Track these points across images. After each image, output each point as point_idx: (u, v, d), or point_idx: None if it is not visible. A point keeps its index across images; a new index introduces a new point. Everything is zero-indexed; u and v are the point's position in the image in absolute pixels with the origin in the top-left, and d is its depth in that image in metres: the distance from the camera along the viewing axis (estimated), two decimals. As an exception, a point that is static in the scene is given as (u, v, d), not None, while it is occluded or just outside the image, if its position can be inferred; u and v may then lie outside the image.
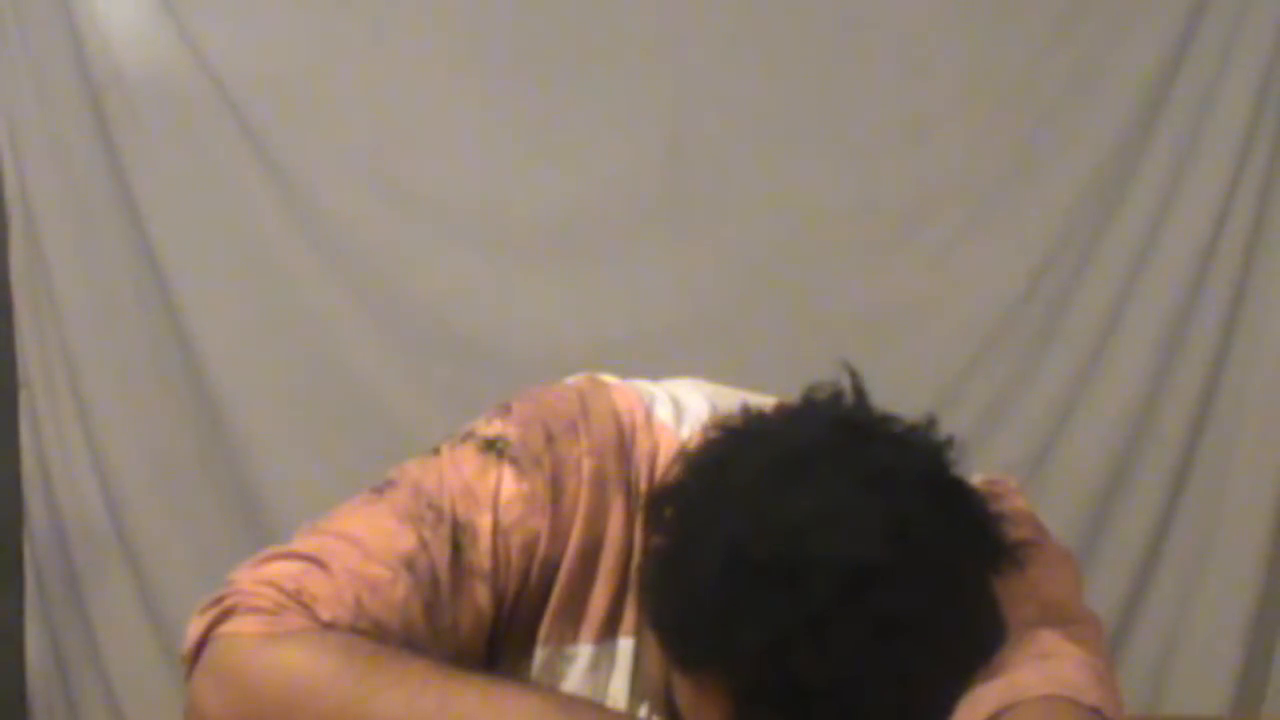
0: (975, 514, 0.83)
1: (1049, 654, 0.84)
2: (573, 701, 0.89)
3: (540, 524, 0.93)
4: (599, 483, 0.94)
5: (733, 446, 0.85)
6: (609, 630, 0.95)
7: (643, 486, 0.95)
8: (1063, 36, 2.30)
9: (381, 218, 2.30)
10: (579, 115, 2.30)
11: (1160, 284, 2.32)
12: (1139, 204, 2.32)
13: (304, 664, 0.86)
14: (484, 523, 0.92)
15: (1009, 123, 2.32)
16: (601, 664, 0.95)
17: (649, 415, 0.97)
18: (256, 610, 0.87)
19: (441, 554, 0.91)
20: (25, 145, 2.28)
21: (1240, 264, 2.32)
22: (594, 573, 0.94)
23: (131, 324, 2.30)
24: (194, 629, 0.88)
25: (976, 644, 0.83)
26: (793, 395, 0.89)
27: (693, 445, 0.91)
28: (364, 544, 0.90)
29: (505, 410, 0.97)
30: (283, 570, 0.89)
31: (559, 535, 0.93)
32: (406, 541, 0.90)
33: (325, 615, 0.87)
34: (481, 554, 0.92)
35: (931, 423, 0.84)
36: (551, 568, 0.94)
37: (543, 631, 0.94)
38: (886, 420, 0.85)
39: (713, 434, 0.88)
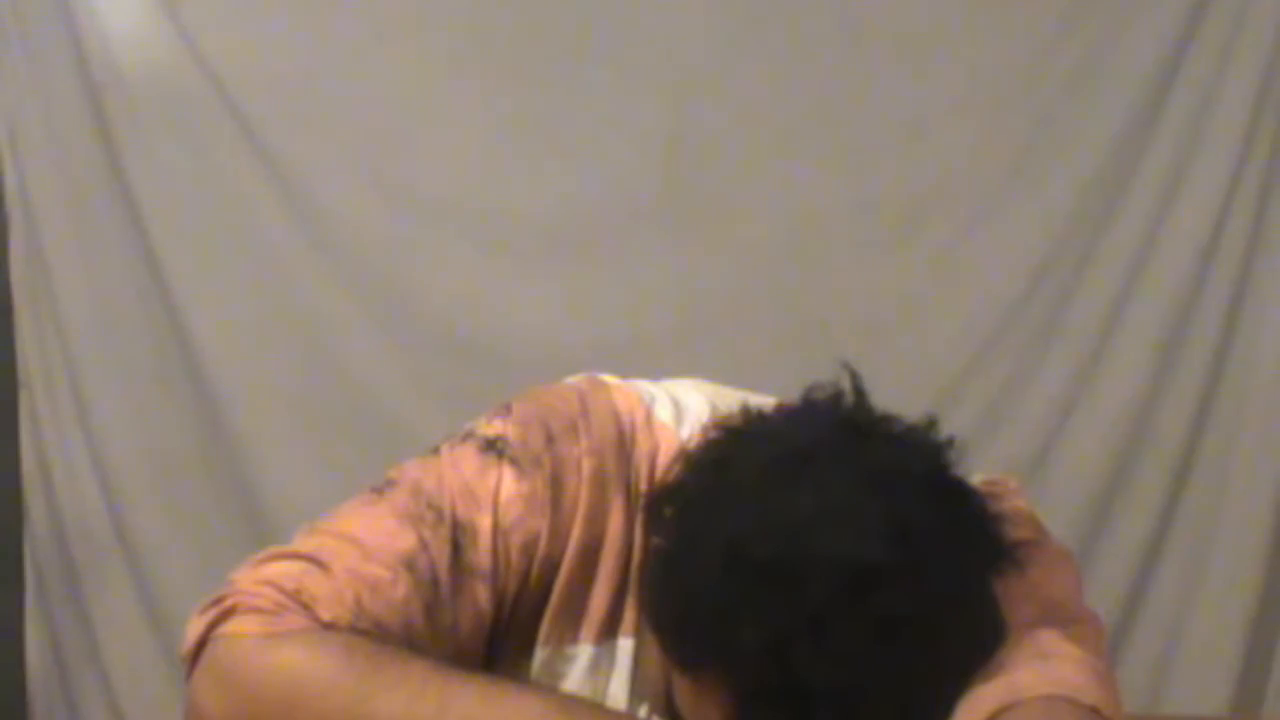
0: (975, 514, 0.83)
1: (1048, 654, 0.84)
2: (573, 701, 0.89)
3: (540, 524, 0.93)
4: (599, 483, 0.94)
5: (733, 446, 0.85)
6: (609, 630, 0.95)
7: (643, 486, 0.95)
8: (1063, 36, 2.30)
9: (381, 217, 2.30)
10: (579, 115, 2.30)
11: (1160, 284, 2.32)
12: (1139, 204, 2.32)
13: (304, 664, 0.86)
14: (484, 523, 0.92)
15: (1009, 123, 2.32)
16: (601, 664, 0.95)
17: (649, 415, 0.97)
18: (256, 610, 0.87)
19: (441, 554, 0.91)
20: (25, 145, 2.28)
21: (1240, 264, 2.32)
22: (594, 573, 0.94)
23: (131, 324, 2.30)
24: (194, 629, 0.88)
25: (976, 644, 0.83)
26: (793, 395, 0.89)
27: (693, 445, 0.91)
28: (364, 544, 0.90)
29: (505, 410, 0.97)
30: (283, 570, 0.89)
31: (559, 535, 0.93)
32: (406, 541, 0.90)
33: (325, 615, 0.87)
34: (481, 554, 0.92)
35: (931, 423, 0.84)
36: (551, 568, 0.94)
37: (543, 631, 0.94)
38: (887, 420, 0.85)
39: (713, 434, 0.88)
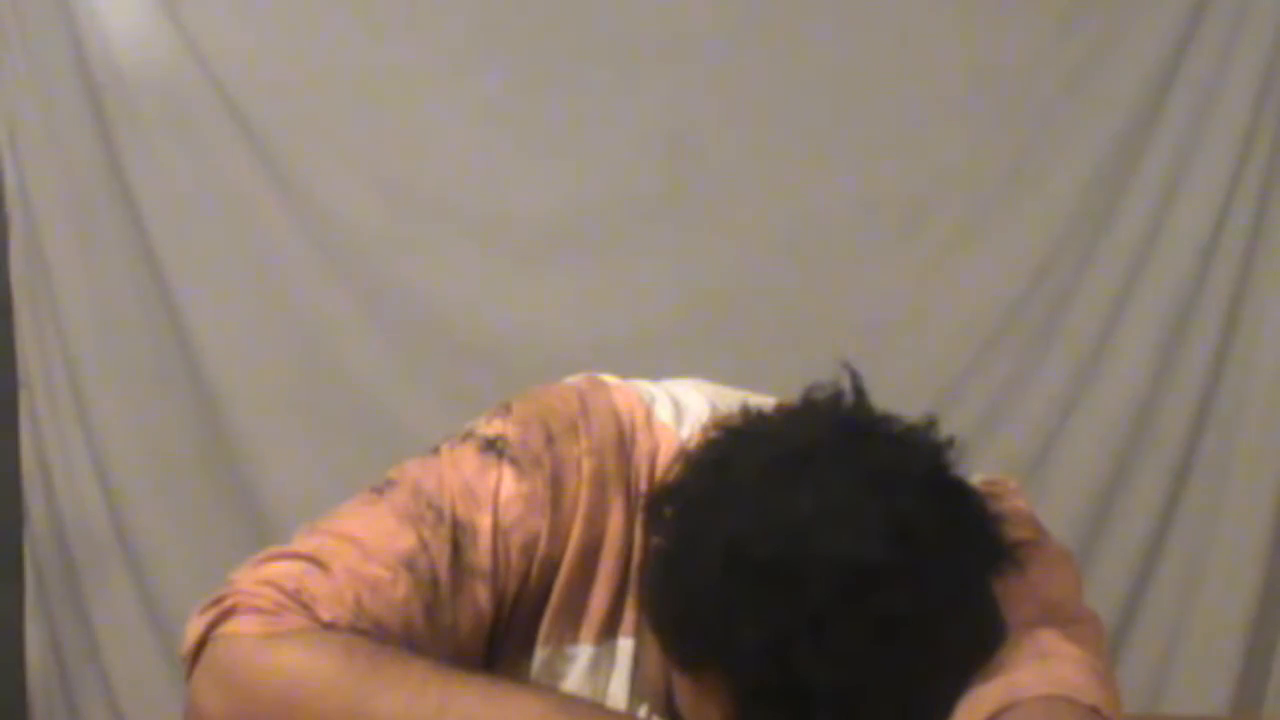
0: (975, 514, 0.83)
1: (1048, 654, 0.84)
2: (573, 701, 0.89)
3: (540, 524, 0.93)
4: (599, 482, 0.94)
5: (733, 446, 0.85)
6: (609, 630, 0.95)
7: (643, 486, 0.95)
8: (1063, 36, 2.30)
9: (381, 217, 2.30)
10: (580, 115, 2.30)
11: (1160, 284, 2.32)
12: (1139, 204, 2.32)
13: (304, 664, 0.86)
14: (484, 523, 0.92)
15: (1009, 123, 2.32)
16: (601, 664, 0.95)
17: (649, 415, 0.97)
18: (256, 610, 0.87)
19: (441, 554, 0.91)
20: (25, 145, 2.28)
21: (1240, 263, 2.32)
22: (594, 573, 0.94)
23: (131, 324, 2.30)
24: (194, 629, 0.88)
25: (976, 644, 0.83)
26: (793, 395, 0.89)
27: (693, 445, 0.91)
28: (364, 544, 0.90)
29: (505, 410, 0.97)
30: (282, 570, 0.89)
31: (559, 535, 0.93)
32: (406, 541, 0.90)
33: (325, 615, 0.87)
34: (481, 554, 0.92)
35: (931, 423, 0.84)
36: (551, 567, 0.94)
37: (543, 631, 0.94)
38: (886, 420, 0.85)
39: (713, 434, 0.88)
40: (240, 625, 0.87)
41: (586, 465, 0.94)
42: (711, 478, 0.84)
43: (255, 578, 0.89)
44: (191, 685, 0.88)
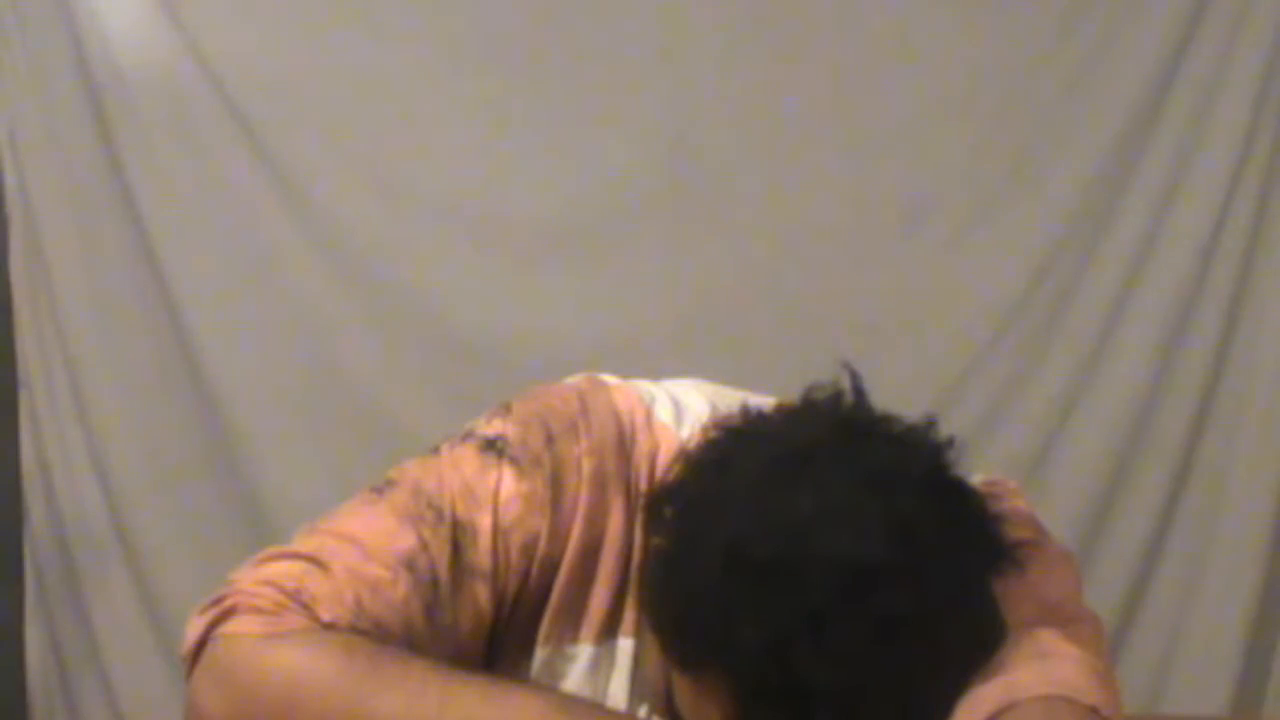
0: (975, 514, 0.83)
1: (1048, 654, 0.84)
2: (573, 701, 0.89)
3: (540, 524, 0.93)
4: (599, 482, 0.94)
5: (733, 446, 0.85)
6: (609, 630, 0.95)
7: (643, 486, 0.95)
8: (1063, 36, 2.30)
9: (382, 217, 2.30)
10: (580, 115, 2.30)
11: (1160, 284, 2.32)
12: (1139, 204, 2.32)
13: (304, 664, 0.86)
14: (484, 522, 0.92)
15: (1009, 123, 2.32)
16: (601, 664, 0.95)
17: (649, 415, 0.97)
18: (256, 610, 0.87)
19: (441, 554, 0.91)
20: (25, 145, 2.28)
21: (1240, 264, 2.32)
22: (594, 573, 0.94)
23: (131, 324, 2.30)
24: (194, 629, 0.88)
25: (976, 644, 0.83)
26: (793, 395, 0.89)
27: (693, 445, 0.91)
28: (364, 544, 0.90)
29: (505, 410, 0.97)
30: (283, 570, 0.89)
31: (559, 535, 0.93)
32: (406, 541, 0.90)
33: (325, 615, 0.87)
34: (481, 554, 0.92)
35: (931, 423, 0.84)
36: (551, 567, 0.94)
37: (543, 631, 0.94)
38: (886, 420, 0.85)
39: (713, 434, 0.88)
40: (240, 625, 0.87)
41: (586, 465, 0.94)
42: (711, 478, 0.84)
43: (255, 578, 0.89)
44: (191, 685, 0.88)
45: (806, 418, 0.86)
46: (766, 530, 0.78)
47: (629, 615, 0.95)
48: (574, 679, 0.95)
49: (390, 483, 0.94)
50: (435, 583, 0.90)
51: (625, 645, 0.95)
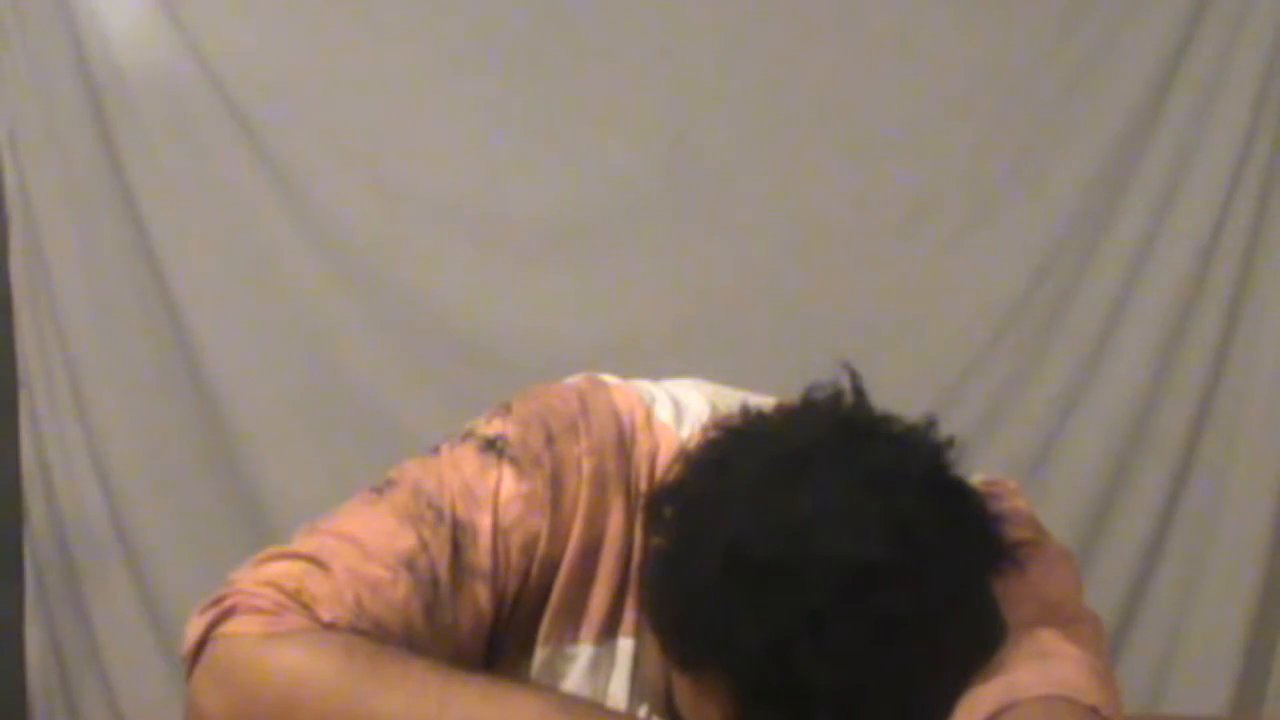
0: (975, 514, 0.83)
1: (1048, 654, 0.84)
2: (573, 701, 0.89)
3: (540, 524, 0.93)
4: (599, 482, 0.94)
5: (733, 446, 0.85)
6: (609, 630, 0.95)
7: (643, 486, 0.95)
8: (1063, 36, 2.30)
9: (382, 217, 2.30)
10: (580, 115, 2.30)
11: (1160, 284, 2.32)
12: (1139, 204, 2.32)
13: (304, 664, 0.86)
14: (484, 522, 0.92)
15: (1009, 123, 2.32)
16: (601, 664, 0.95)
17: (649, 415, 0.97)
18: (257, 610, 0.87)
19: (441, 554, 0.91)
20: (25, 145, 2.28)
21: (1240, 264, 2.32)
22: (594, 573, 0.94)
23: (131, 324, 2.30)
24: (194, 629, 0.88)
25: (976, 644, 0.83)
26: (793, 395, 0.89)
27: (693, 445, 0.91)
28: (364, 544, 0.90)
29: (505, 410, 0.97)
30: (283, 570, 0.89)
31: (559, 535, 0.93)
32: (406, 541, 0.91)
33: (325, 615, 0.87)
34: (481, 554, 0.92)
35: (931, 423, 0.84)
36: (551, 567, 0.94)
37: (543, 631, 0.95)
38: (886, 420, 0.85)
39: (713, 434, 0.88)
40: (240, 625, 0.87)
41: (586, 465, 0.94)
42: (711, 478, 0.84)
43: (255, 578, 0.89)
44: (192, 685, 0.88)
45: (806, 418, 0.86)
46: (766, 530, 0.78)
47: (629, 615, 0.95)
48: (574, 679, 0.95)
49: (390, 483, 0.94)
50: (435, 583, 0.90)
51: (625, 645, 0.95)
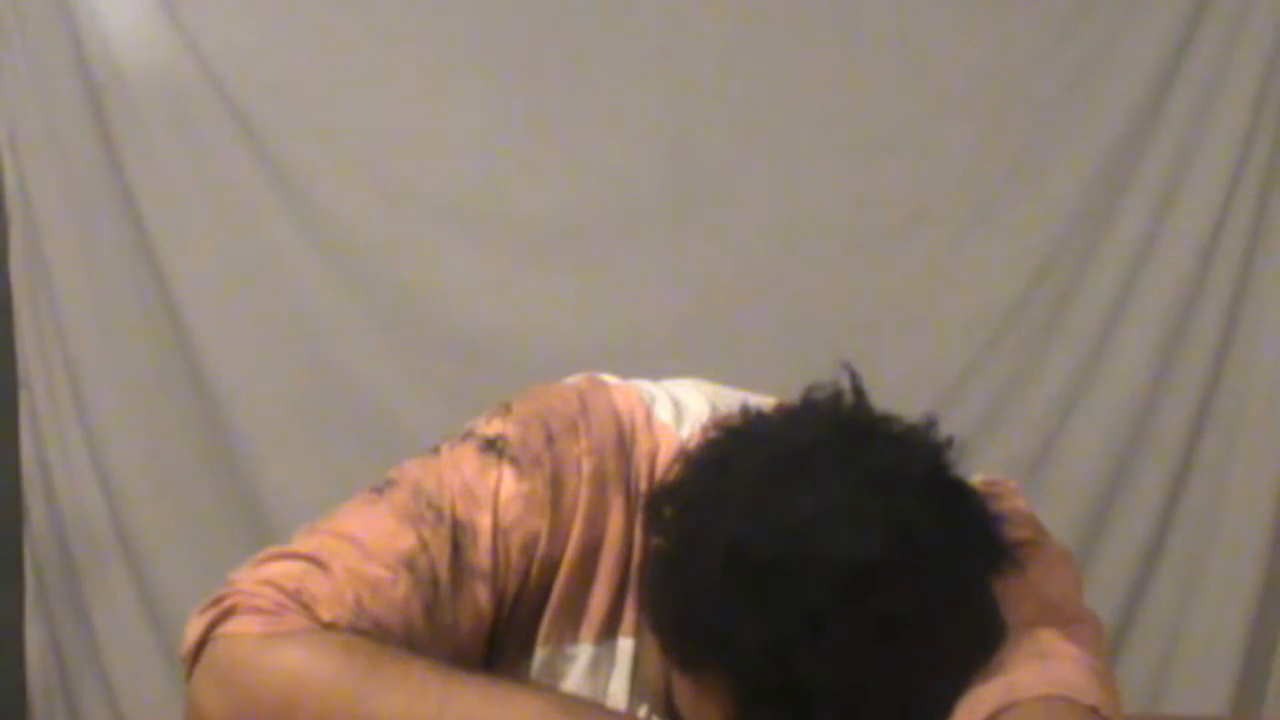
0: (975, 514, 0.83)
1: (1048, 654, 0.84)
2: (573, 701, 0.89)
3: (540, 524, 0.93)
4: (599, 482, 0.94)
5: (733, 446, 0.85)
6: (609, 630, 0.95)
7: (643, 486, 0.95)
8: (1063, 36, 2.30)
9: (382, 217, 2.30)
10: (580, 115, 2.30)
11: (1160, 284, 2.32)
12: (1139, 204, 2.32)
13: (304, 664, 0.86)
14: (484, 522, 0.92)
15: (1009, 123, 2.32)
16: (601, 664, 0.95)
17: (649, 415, 0.97)
18: (257, 610, 0.87)
19: (441, 554, 0.91)
20: (25, 145, 2.27)
21: (1240, 264, 2.32)
22: (594, 572, 0.94)
23: (131, 324, 2.30)
24: (194, 629, 0.88)
25: (976, 643, 0.83)
26: (793, 395, 0.88)
27: (693, 445, 0.91)
28: (364, 544, 0.90)
29: (505, 409, 0.97)
30: (283, 570, 0.89)
31: (559, 535, 0.93)
32: (406, 541, 0.90)
33: (325, 615, 0.87)
34: (481, 554, 0.92)
35: (931, 423, 0.84)
36: (551, 567, 0.94)
37: (543, 631, 0.95)
38: (886, 420, 0.85)
39: (713, 434, 0.88)
40: (241, 625, 0.87)
41: (586, 465, 0.94)
42: (711, 478, 0.84)
43: (255, 578, 0.89)
44: (192, 685, 0.88)
45: (806, 418, 0.86)
46: (766, 530, 0.78)
47: (629, 615, 0.95)
48: (574, 679, 0.95)
49: (390, 483, 0.94)
50: (435, 583, 0.90)
51: (625, 645, 0.95)
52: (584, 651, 0.95)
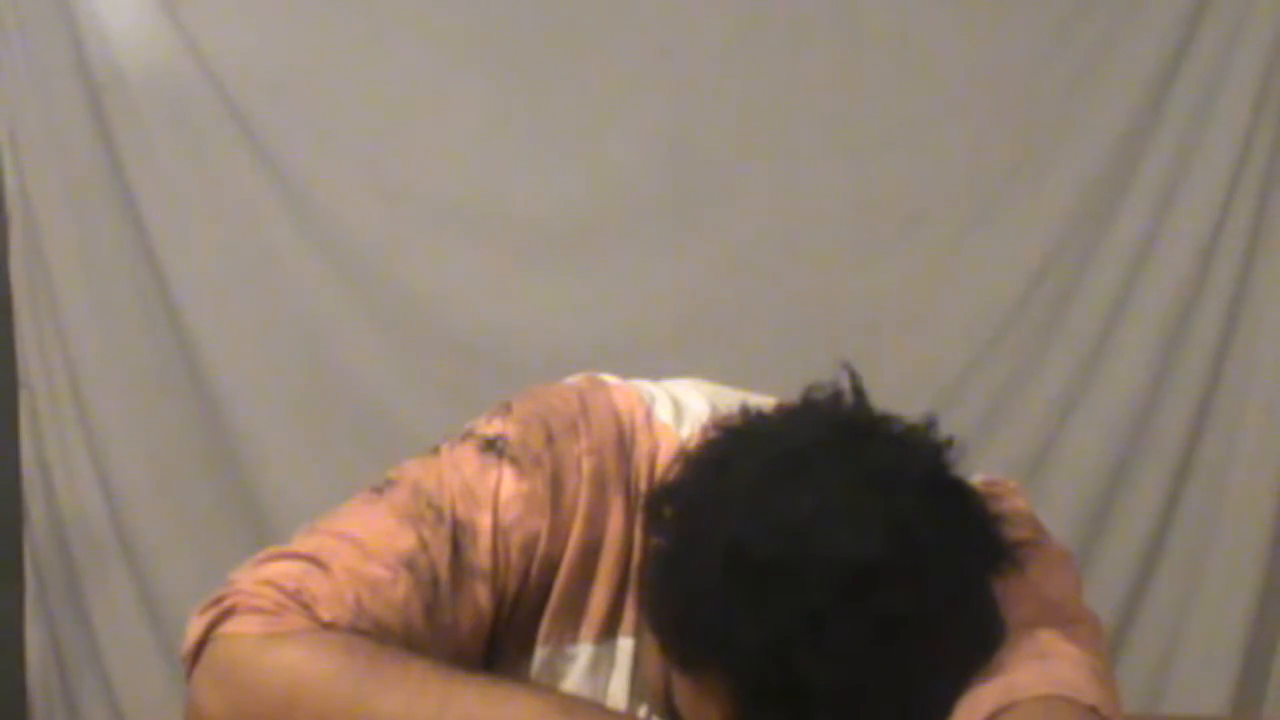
0: (975, 514, 0.83)
1: (1047, 653, 0.84)
2: (573, 701, 0.89)
3: (540, 523, 0.93)
4: (599, 482, 0.94)
5: (733, 446, 0.85)
6: (609, 630, 0.95)
7: (643, 486, 0.95)
8: (1063, 37, 2.30)
9: (382, 217, 2.30)
10: (580, 115, 2.30)
11: (1160, 284, 2.32)
12: (1139, 204, 2.32)
13: (304, 664, 0.86)
14: (484, 522, 0.92)
15: (1009, 123, 2.32)
16: (601, 664, 0.95)
17: (649, 415, 0.97)
18: (257, 610, 0.87)
19: (441, 554, 0.91)
20: (25, 145, 2.28)
21: (1240, 264, 2.32)
22: (594, 572, 0.94)
23: (131, 324, 2.30)
24: (194, 629, 0.88)
25: (976, 643, 0.83)
26: (793, 395, 0.88)
27: (693, 445, 0.91)
28: (364, 544, 0.90)
29: (505, 409, 0.97)
30: (283, 570, 0.89)
31: (559, 535, 0.93)
32: (406, 541, 0.90)
33: (325, 615, 0.87)
34: (481, 554, 0.92)
35: (931, 423, 0.84)
36: (551, 567, 0.94)
37: (543, 631, 0.95)
38: (886, 420, 0.85)
39: (713, 434, 0.88)
40: (240, 625, 0.87)
41: (586, 465, 0.94)
42: (711, 478, 0.84)
43: (255, 578, 0.89)
44: (192, 685, 0.88)
45: (806, 418, 0.86)
46: (766, 530, 0.78)
47: (629, 615, 0.95)
48: (574, 679, 0.95)
49: (390, 482, 0.94)
50: (435, 583, 0.90)
51: (625, 645, 0.95)
52: (584, 651, 0.95)
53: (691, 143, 2.30)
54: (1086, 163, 2.32)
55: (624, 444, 0.96)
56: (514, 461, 0.93)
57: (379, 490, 0.94)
